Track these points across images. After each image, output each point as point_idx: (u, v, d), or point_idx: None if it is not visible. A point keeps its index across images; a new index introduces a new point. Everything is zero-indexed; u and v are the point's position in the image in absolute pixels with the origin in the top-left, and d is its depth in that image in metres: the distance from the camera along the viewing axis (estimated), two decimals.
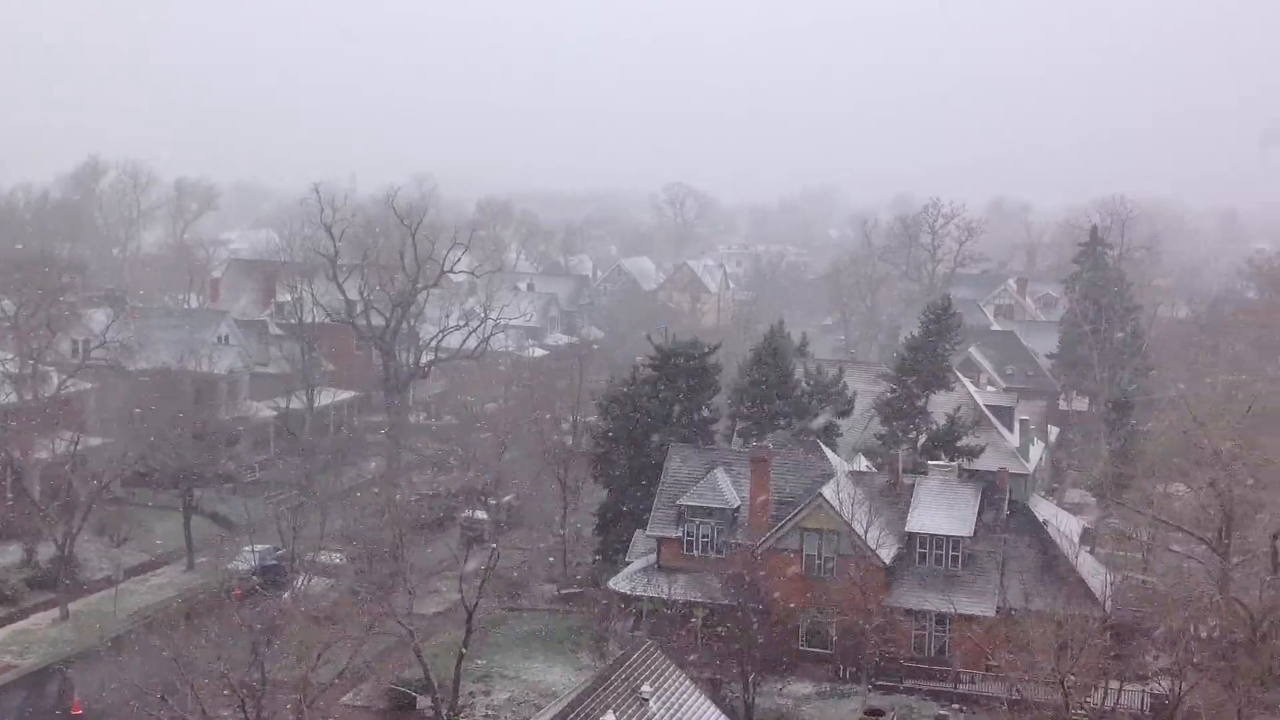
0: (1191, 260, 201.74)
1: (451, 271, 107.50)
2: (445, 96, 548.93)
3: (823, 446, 68.52)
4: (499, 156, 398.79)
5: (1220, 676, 45.59)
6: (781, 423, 75.15)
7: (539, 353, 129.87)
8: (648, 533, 65.36)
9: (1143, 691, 52.49)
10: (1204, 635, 50.51)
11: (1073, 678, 43.76)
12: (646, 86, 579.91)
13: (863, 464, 74.03)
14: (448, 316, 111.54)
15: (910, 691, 58.98)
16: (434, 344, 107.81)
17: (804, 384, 78.06)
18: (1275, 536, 52.94)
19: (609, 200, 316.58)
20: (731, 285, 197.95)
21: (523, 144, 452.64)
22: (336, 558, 65.33)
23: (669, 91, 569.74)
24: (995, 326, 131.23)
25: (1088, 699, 46.44)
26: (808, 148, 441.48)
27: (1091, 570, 61.84)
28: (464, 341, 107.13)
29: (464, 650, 53.97)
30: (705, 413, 75.12)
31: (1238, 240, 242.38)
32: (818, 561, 61.56)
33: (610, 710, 34.68)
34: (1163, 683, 49.24)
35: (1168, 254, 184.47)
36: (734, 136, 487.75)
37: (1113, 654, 48.97)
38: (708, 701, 39.36)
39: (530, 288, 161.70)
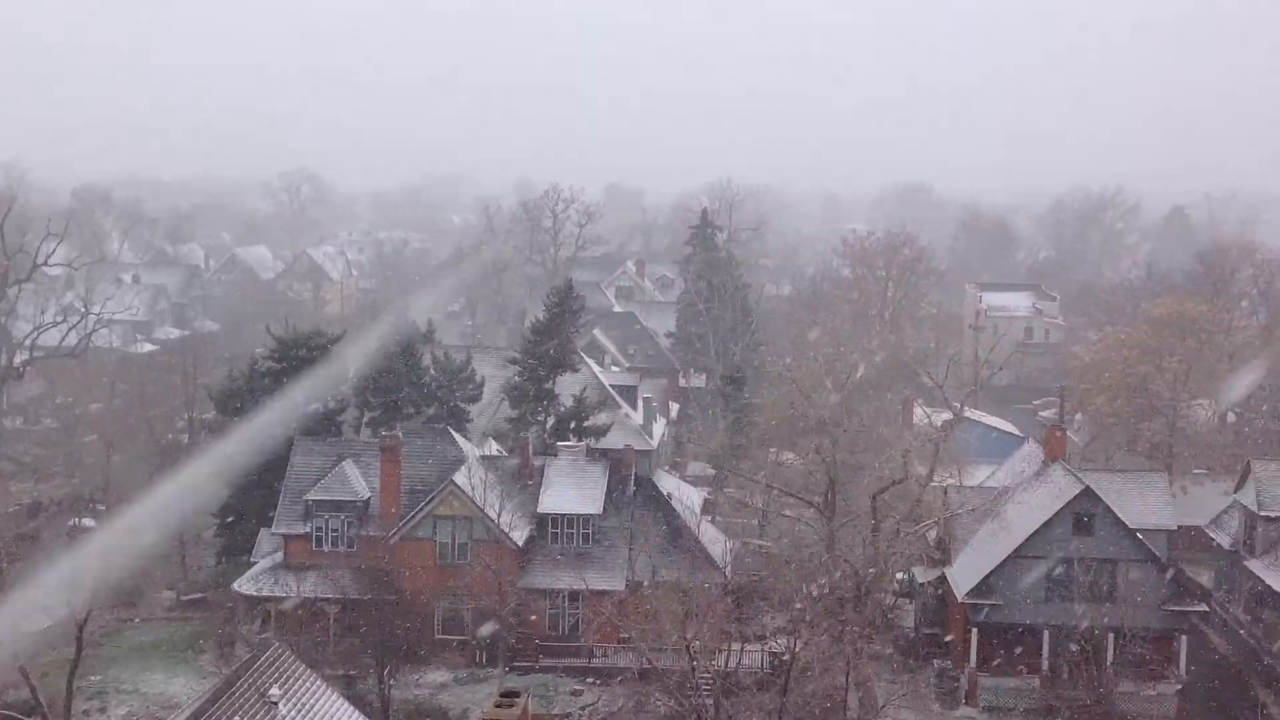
0: (794, 240, 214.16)
1: (46, 264, 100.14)
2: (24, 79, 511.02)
3: (453, 433, 68.33)
4: (99, 143, 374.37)
5: (830, 631, 48.66)
6: (410, 411, 74.41)
7: (148, 348, 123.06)
8: (273, 530, 63.20)
9: (762, 650, 55.38)
10: (815, 594, 53.80)
11: (698, 643, 45.57)
12: (257, 70, 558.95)
13: (494, 448, 74.36)
14: (43, 313, 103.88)
15: (547, 670, 59.89)
16: (28, 342, 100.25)
17: (432, 371, 77.57)
18: (874, 497, 56.99)
19: (220, 186, 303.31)
20: (355, 273, 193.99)
21: (126, 130, 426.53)
22: None
23: (284, 76, 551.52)
24: (617, 308, 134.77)
25: (712, 662, 48.54)
26: (429, 134, 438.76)
27: (713, 539, 64.69)
28: (63, 339, 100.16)
29: (75, 666, 50.51)
30: (331, 404, 73.36)
31: (836, 221, 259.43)
32: (452, 548, 61.40)
33: (237, 716, 33.25)
34: (779, 641, 52.04)
35: (773, 235, 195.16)
36: (354, 122, 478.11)
37: (734, 617, 51.36)
38: (341, 699, 38.42)
39: (136, 279, 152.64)
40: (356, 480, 62.98)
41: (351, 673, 54.68)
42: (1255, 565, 62.28)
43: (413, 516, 61.32)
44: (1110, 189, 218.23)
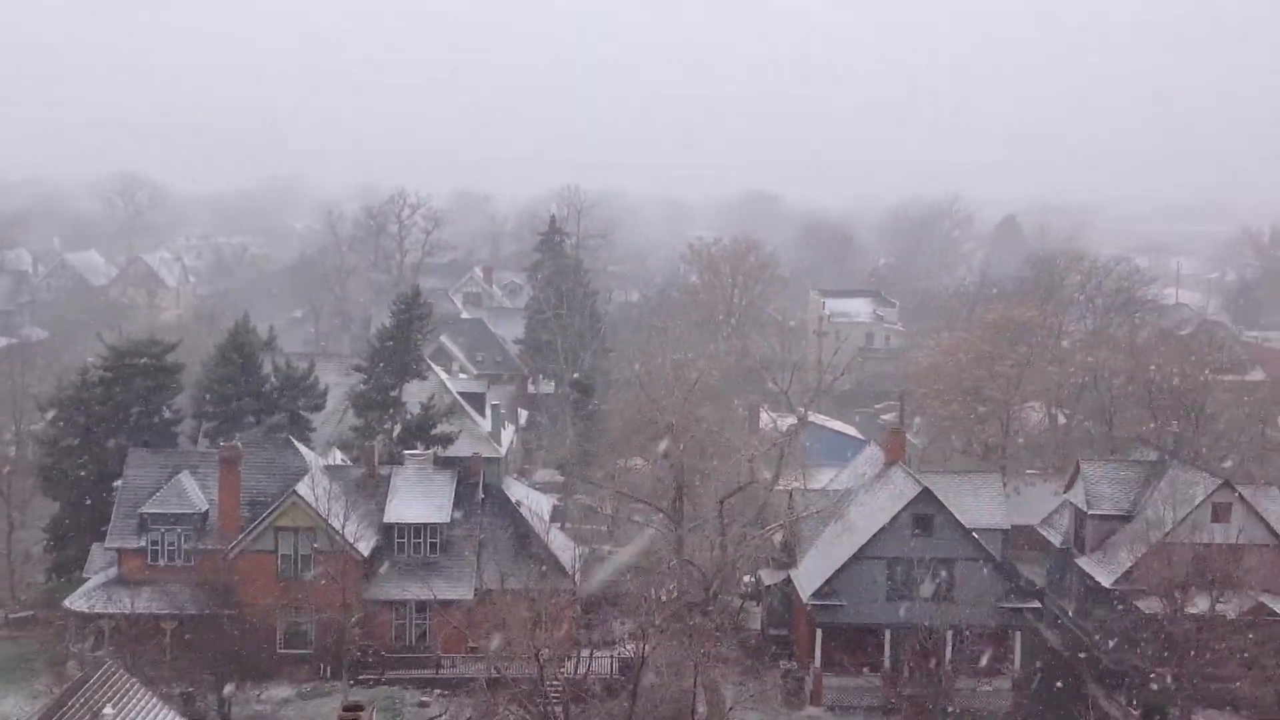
0: (642, 247, 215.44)
1: None
2: None
3: (295, 443, 66.98)
4: None
5: (679, 635, 48.99)
6: (251, 420, 72.72)
7: None
8: (107, 545, 61.12)
9: (611, 656, 55.48)
10: (664, 598, 54.11)
11: (547, 651, 45.43)
12: (85, 69, 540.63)
13: (338, 458, 73.12)
14: None
15: (393, 682, 59.05)
16: None
17: (273, 379, 75.93)
18: (721, 501, 57.55)
19: (49, 189, 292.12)
20: (192, 279, 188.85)
21: None
22: None
23: (117, 80, 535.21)
24: (465, 314, 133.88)
25: (562, 670, 48.45)
26: (263, 138, 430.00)
27: (562, 546, 64.61)
28: None
29: None
30: (167, 414, 71.29)
31: (684, 228, 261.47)
32: (294, 560, 60.14)
33: None
34: (628, 646, 52.19)
35: (622, 241, 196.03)
36: (190, 126, 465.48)
37: (583, 624, 51.36)
38: (178, 718, 37.33)
39: None
40: (194, 492, 61.28)
41: (190, 690, 53.15)
42: (1084, 562, 64.62)
43: (254, 529, 59.89)
44: (946, 198, 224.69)
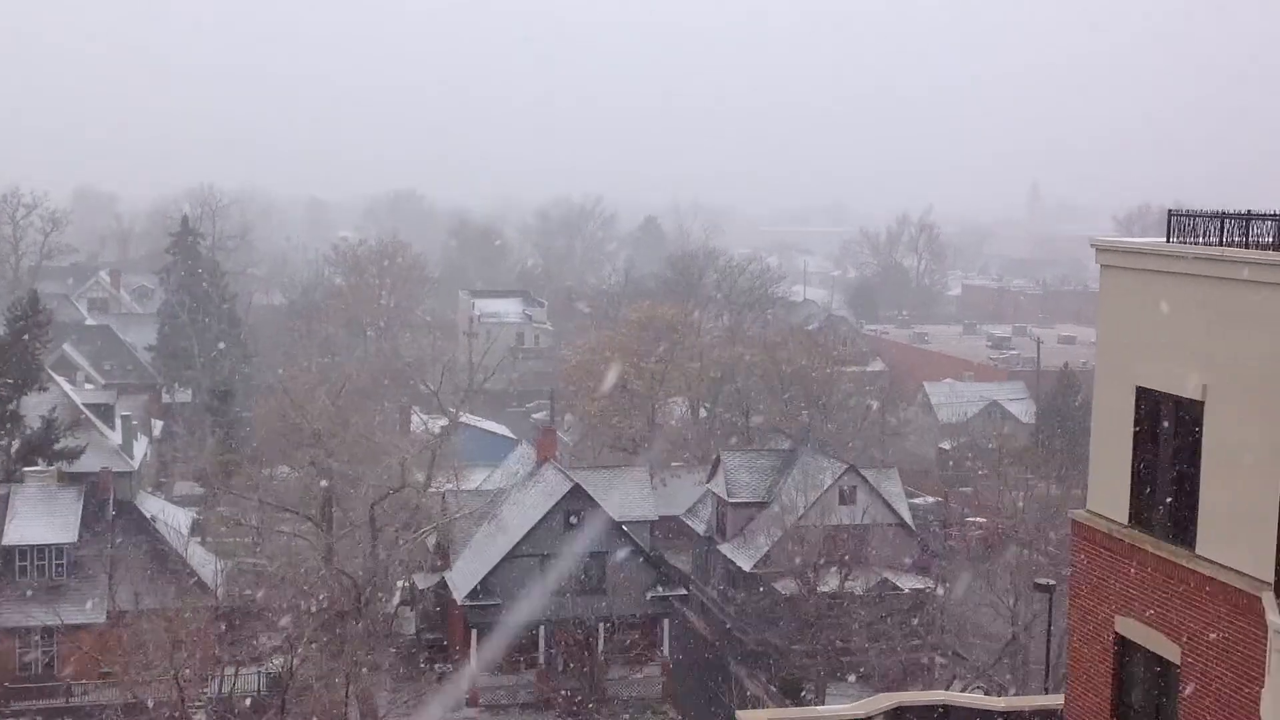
0: (283, 248, 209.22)
1: None
2: None
3: None
4: None
5: (330, 646, 47.79)
6: None
7: None
8: None
9: (258, 673, 53.50)
10: (314, 610, 52.64)
11: (188, 671, 43.38)
12: None
13: None
14: None
15: (19, 715, 54.88)
16: None
17: None
18: (372, 506, 56.56)
19: None
20: None
21: None
22: None
23: None
24: (90, 321, 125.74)
25: (205, 689, 46.35)
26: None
27: (202, 561, 61.73)
28: None
29: None
30: None
31: (326, 228, 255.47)
32: None
33: None
34: (276, 660, 50.51)
35: (261, 242, 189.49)
36: None
37: (228, 641, 49.33)
38: None
39: None
40: None
41: None
42: (726, 548, 67.46)
43: None
44: (590, 199, 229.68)
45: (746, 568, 64.18)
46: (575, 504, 60.33)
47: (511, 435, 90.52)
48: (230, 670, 47.19)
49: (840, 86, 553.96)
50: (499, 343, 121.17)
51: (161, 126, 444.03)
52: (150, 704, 44.20)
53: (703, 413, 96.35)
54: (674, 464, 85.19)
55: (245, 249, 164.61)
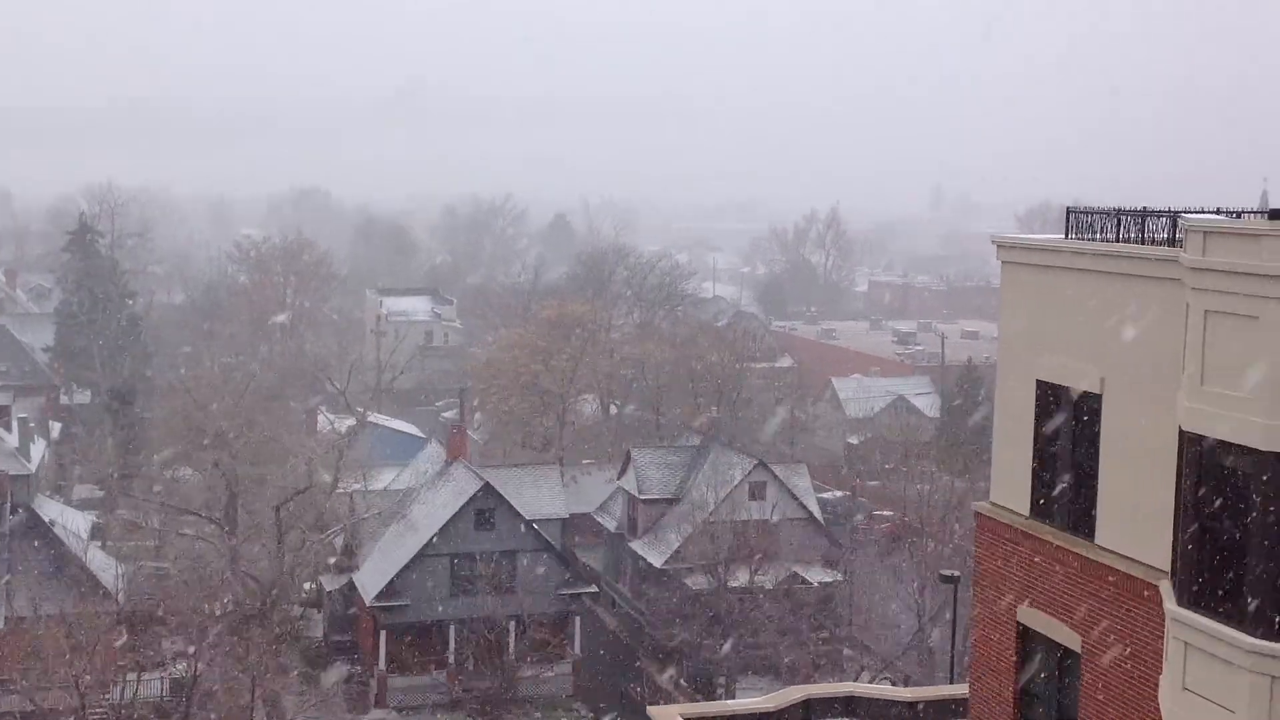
0: (185, 246, 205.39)
1: None
2: None
3: None
4: None
5: (235, 650, 47.02)
6: None
7: None
8: None
9: (162, 678, 52.49)
10: (218, 613, 51.78)
11: (89, 678, 42.43)
12: None
13: None
14: None
15: None
16: None
17: None
18: (278, 508, 55.73)
19: None
20: None
21: None
22: None
23: None
24: None
25: (106, 696, 45.37)
26: None
27: (103, 565, 60.40)
28: None
29: None
30: None
31: (228, 226, 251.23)
32: None
33: None
34: (180, 665, 49.61)
35: (162, 240, 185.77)
36: None
37: (129, 646, 48.34)
38: None
39: None
40: None
41: None
42: (637, 545, 67.52)
43: None
44: (500, 196, 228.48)
45: (657, 564, 64.30)
46: (486, 502, 60.00)
47: (421, 434, 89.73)
48: (132, 676, 46.19)
49: (779, 91, 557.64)
50: (407, 341, 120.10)
51: (59, 123, 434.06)
52: (50, 711, 43.12)
53: (613, 410, 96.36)
54: (585, 461, 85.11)
55: (146, 247, 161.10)
